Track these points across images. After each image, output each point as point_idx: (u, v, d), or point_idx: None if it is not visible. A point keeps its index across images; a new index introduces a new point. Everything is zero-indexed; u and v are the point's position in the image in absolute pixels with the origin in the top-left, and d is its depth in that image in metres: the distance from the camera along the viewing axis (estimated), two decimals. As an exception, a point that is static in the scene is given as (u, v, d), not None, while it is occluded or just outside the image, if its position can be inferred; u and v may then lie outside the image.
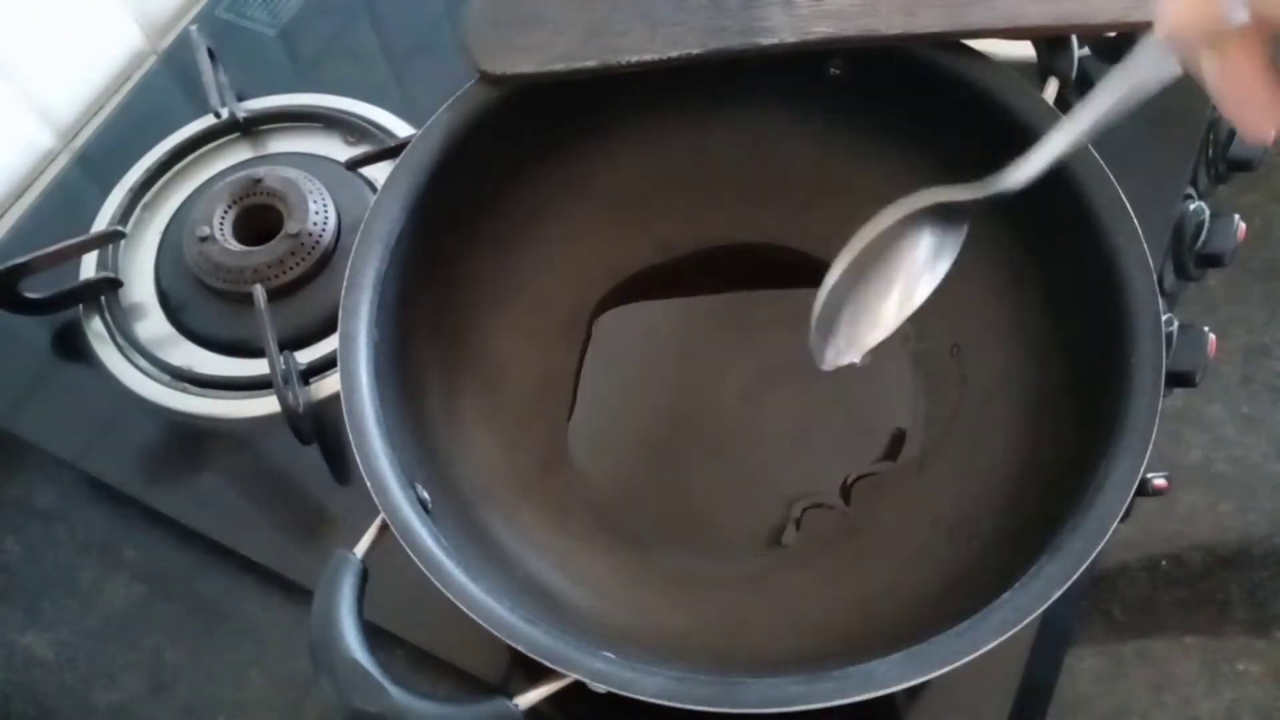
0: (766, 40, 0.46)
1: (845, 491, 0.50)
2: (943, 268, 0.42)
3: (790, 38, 0.46)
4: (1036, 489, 0.44)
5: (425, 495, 0.41)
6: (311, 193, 0.58)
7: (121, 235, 0.59)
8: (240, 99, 0.65)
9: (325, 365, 0.55)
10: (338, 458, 0.52)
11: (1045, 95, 0.45)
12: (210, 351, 0.56)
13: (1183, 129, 0.57)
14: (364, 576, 0.38)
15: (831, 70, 0.50)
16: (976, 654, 0.35)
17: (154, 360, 0.56)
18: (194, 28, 0.67)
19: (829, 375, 0.52)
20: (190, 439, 0.54)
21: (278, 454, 0.53)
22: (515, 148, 0.50)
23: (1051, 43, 0.46)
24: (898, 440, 0.51)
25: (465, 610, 0.37)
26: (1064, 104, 0.46)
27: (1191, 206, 0.56)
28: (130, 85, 0.69)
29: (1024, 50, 0.47)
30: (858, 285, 0.42)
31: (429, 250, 0.48)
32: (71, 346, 0.57)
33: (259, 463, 0.54)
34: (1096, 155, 0.43)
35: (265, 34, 0.69)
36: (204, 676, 0.50)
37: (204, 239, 0.56)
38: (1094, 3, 0.45)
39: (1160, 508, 0.49)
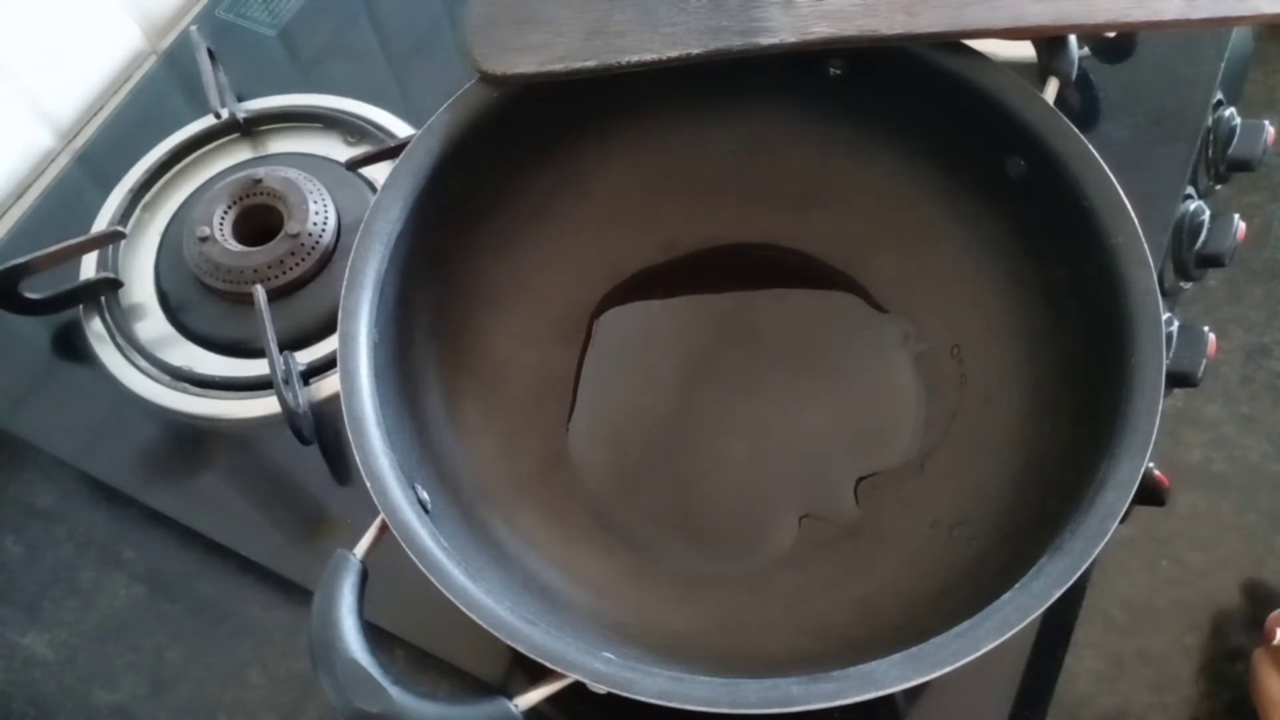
0: (766, 40, 0.46)
1: (845, 492, 0.50)
2: None
3: (790, 38, 0.46)
4: (1036, 489, 0.44)
5: (425, 496, 0.41)
6: (311, 193, 0.58)
7: (121, 235, 0.59)
8: (240, 99, 0.65)
9: (325, 365, 0.55)
10: (338, 458, 0.52)
11: (1045, 95, 0.45)
12: (210, 351, 0.56)
13: (1183, 129, 0.57)
14: (364, 576, 0.38)
15: (832, 70, 0.50)
16: (976, 654, 0.35)
17: (154, 360, 0.56)
18: (194, 28, 0.67)
19: (829, 375, 0.53)
20: (190, 439, 0.54)
21: (278, 454, 0.53)
22: (515, 148, 0.50)
23: (1051, 43, 0.46)
24: (898, 440, 0.51)
25: (465, 610, 0.37)
26: (1064, 104, 0.46)
27: (1191, 206, 0.56)
28: (130, 85, 0.69)
29: (1024, 50, 0.47)
30: None
31: (429, 250, 0.48)
32: (71, 347, 0.57)
33: (259, 463, 0.54)
34: (1096, 155, 0.43)
35: (265, 34, 0.69)
36: (204, 676, 0.50)
37: (204, 239, 0.56)
38: (1094, 3, 0.45)
39: (1160, 508, 0.49)
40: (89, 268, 0.59)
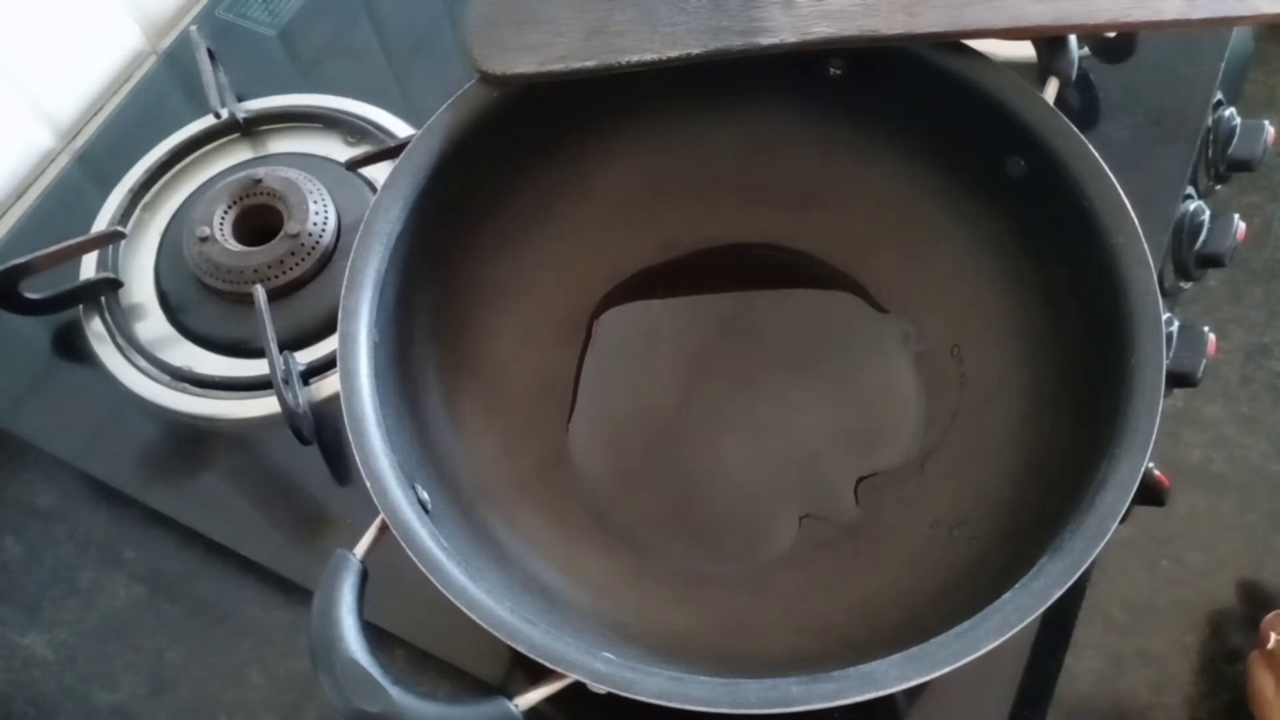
0: (766, 40, 0.46)
1: (845, 492, 0.50)
2: None
3: (790, 38, 0.46)
4: (1036, 489, 0.44)
5: (425, 496, 0.41)
6: (311, 193, 0.58)
7: (121, 235, 0.59)
8: (240, 99, 0.65)
9: (325, 365, 0.55)
10: (338, 458, 0.52)
11: (1045, 95, 0.45)
12: (210, 351, 0.56)
13: (1183, 129, 0.57)
14: (364, 576, 0.38)
15: (832, 70, 0.50)
16: (976, 654, 0.35)
17: (154, 360, 0.56)
18: (194, 28, 0.67)
19: (829, 375, 0.53)
20: (190, 439, 0.54)
21: (278, 454, 0.53)
22: (515, 148, 0.50)
23: (1051, 43, 0.46)
24: (898, 440, 0.51)
25: (465, 610, 0.37)
26: (1064, 104, 0.46)
27: (1191, 206, 0.56)
28: (130, 85, 0.69)
29: (1024, 50, 0.47)
30: None
31: (429, 250, 0.48)
32: (71, 347, 0.57)
33: (259, 463, 0.54)
34: (1096, 155, 0.43)
35: (265, 34, 0.69)
36: (204, 676, 0.50)
37: (204, 239, 0.56)
38: (1094, 3, 0.45)
39: (1160, 508, 0.49)
40: (89, 268, 0.59)
